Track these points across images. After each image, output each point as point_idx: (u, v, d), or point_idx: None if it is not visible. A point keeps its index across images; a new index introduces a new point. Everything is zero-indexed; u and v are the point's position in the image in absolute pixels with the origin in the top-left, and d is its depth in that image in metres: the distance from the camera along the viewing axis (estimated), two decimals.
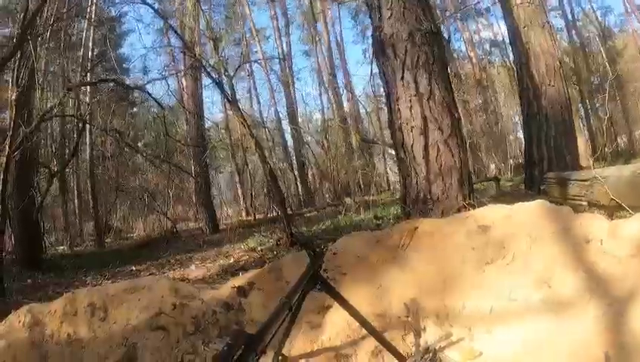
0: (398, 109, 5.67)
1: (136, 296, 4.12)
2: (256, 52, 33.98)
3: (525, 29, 11.71)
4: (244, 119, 11.18)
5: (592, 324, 2.86)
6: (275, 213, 20.72)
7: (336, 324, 3.52)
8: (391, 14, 5.78)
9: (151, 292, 4.12)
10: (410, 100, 5.55)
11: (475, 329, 3.25)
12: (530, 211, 3.79)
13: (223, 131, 27.07)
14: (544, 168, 10.69)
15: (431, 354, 3.19)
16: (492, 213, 4.03)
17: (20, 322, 4.09)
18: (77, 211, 24.86)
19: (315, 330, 3.57)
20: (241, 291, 4.11)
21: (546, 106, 11.17)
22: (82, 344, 3.87)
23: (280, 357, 2.42)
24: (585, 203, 6.52)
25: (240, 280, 4.37)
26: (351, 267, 4.01)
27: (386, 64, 5.86)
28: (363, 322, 2.86)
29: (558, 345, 2.87)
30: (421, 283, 3.72)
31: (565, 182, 7.51)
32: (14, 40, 11.26)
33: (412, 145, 5.54)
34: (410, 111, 5.55)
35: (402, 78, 5.63)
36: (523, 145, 30.86)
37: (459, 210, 5.15)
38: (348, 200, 17.77)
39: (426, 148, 5.45)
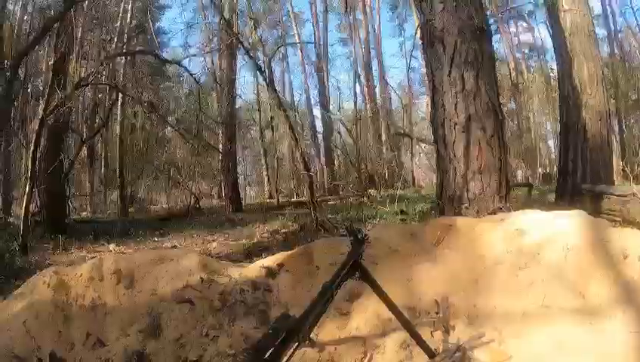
0: (443, 105, 5.60)
1: (164, 267, 4.12)
2: (292, 35, 34.04)
3: (570, 36, 11.47)
4: (280, 101, 11.17)
5: (626, 338, 2.80)
6: (299, 198, 20.81)
7: (365, 313, 3.48)
8: (443, 7, 5.68)
9: (179, 265, 4.12)
10: (456, 97, 5.48)
11: (505, 332, 3.18)
12: (568, 220, 3.71)
13: (253, 112, 27.23)
14: (577, 179, 10.53)
15: (460, 353, 3.16)
16: (529, 218, 3.96)
17: (44, 283, 4.09)
18: (103, 179, 25.11)
19: (343, 317, 3.55)
20: (270, 272, 4.08)
21: (585, 117, 10.96)
22: (106, 310, 3.87)
23: (307, 341, 2.40)
24: (619, 219, 6.42)
25: (269, 260, 4.34)
26: (383, 257, 3.97)
27: (434, 58, 5.78)
28: (398, 314, 2.83)
29: (590, 356, 2.80)
30: (452, 281, 3.66)
31: (601, 195, 7.40)
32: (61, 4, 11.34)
33: (454, 142, 5.47)
34: (455, 107, 5.47)
35: (449, 73, 5.55)
36: (552, 155, 30.81)
37: (494, 212, 5.09)
38: (373, 192, 17.74)
39: (467, 146, 5.37)
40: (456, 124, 5.46)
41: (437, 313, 3.49)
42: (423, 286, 3.70)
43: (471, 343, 3.19)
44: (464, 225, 4.22)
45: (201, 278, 3.91)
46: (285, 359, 1.48)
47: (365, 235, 2.72)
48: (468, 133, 5.40)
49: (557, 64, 12.75)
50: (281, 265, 4.15)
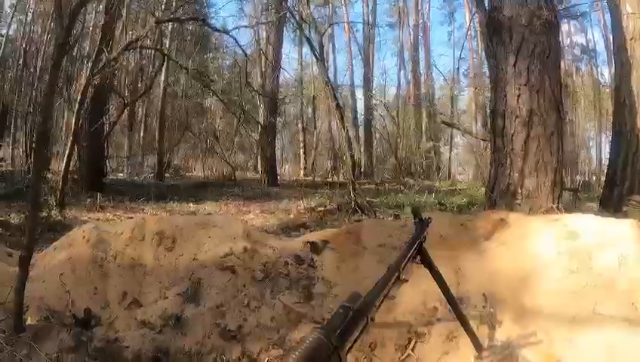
0: (505, 96, 5.43)
1: (207, 232, 4.08)
2: (341, 16, 33.83)
3: (632, 40, 11.09)
4: (329, 79, 11.08)
5: None
6: (335, 178, 20.79)
7: (412, 301, 3.40)
8: None
9: (223, 231, 4.06)
10: (519, 89, 5.31)
11: (554, 334, 3.08)
12: (624, 228, 3.59)
13: (295, 89, 27.23)
14: (624, 190, 10.24)
15: (509, 351, 3.05)
16: (583, 222, 3.83)
17: (84, 238, 4.08)
18: (141, 143, 25.38)
19: (389, 301, 3.44)
20: (315, 247, 4.01)
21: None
22: (145, 270, 3.84)
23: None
24: None
25: (314, 236, 4.30)
26: (433, 245, 3.84)
27: (499, 47, 5.60)
28: (454, 304, 2.73)
29: None
30: (501, 276, 3.57)
31: None
32: None
33: (513, 135, 5.31)
34: (518, 100, 5.30)
35: (515, 64, 5.37)
36: (594, 162, 30.18)
37: (547, 211, 4.96)
38: (411, 180, 17.65)
39: (526, 141, 5.21)
40: (517, 117, 5.30)
41: (484, 307, 3.39)
42: (470, 279, 3.61)
43: (520, 341, 3.11)
44: (516, 221, 4.11)
45: (245, 247, 3.84)
46: (354, 339, 1.39)
47: (429, 218, 2.61)
48: (528, 128, 5.23)
49: (615, 69, 12.38)
50: (326, 242, 4.07)
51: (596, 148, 31.36)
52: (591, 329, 3.01)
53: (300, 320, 3.39)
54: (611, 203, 10.29)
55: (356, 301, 1.47)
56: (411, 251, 2.26)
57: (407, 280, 3.47)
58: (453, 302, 2.73)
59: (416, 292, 3.37)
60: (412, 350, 3.18)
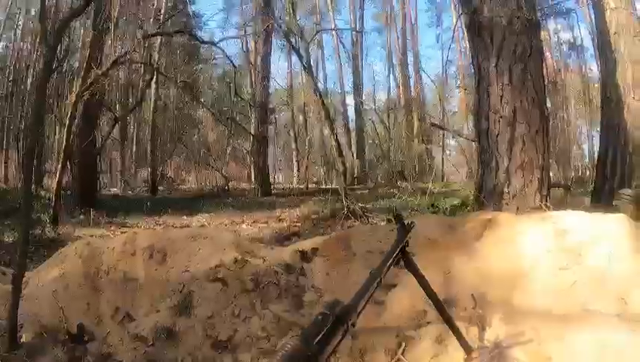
0: (488, 97, 5.47)
1: (198, 244, 4.09)
2: (328, 22, 33.93)
3: (616, 35, 11.16)
4: (317, 87, 11.12)
5: None
6: (327, 185, 20.82)
7: (401, 304, 3.41)
8: None
9: (213, 243, 4.08)
10: (502, 89, 5.34)
11: (544, 332, 3.09)
12: (613, 224, 3.60)
13: (286, 97, 27.29)
14: (615, 183, 10.29)
15: (498, 351, 3.07)
16: (572, 219, 3.84)
17: (76, 254, 4.10)
18: (133, 157, 25.38)
19: (378, 306, 3.46)
20: (305, 256, 4.02)
21: (627, 120, 10.68)
22: (137, 284, 3.86)
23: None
24: None
25: (304, 244, 4.29)
26: (421, 248, 3.87)
27: (481, 48, 5.64)
28: (440, 307, 2.75)
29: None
30: (490, 277, 3.57)
31: None
32: None
33: (497, 135, 5.34)
34: (501, 100, 5.34)
35: (496, 65, 5.41)
36: (587, 157, 30.30)
37: (534, 210, 4.98)
38: (404, 183, 17.67)
39: (511, 140, 5.25)
40: (501, 117, 5.33)
41: (473, 308, 3.41)
42: (460, 280, 3.62)
43: (509, 341, 3.10)
44: (505, 221, 4.11)
45: (235, 258, 3.86)
46: (333, 346, 1.40)
47: (411, 223, 2.63)
48: (512, 128, 5.27)
49: (600, 64, 12.45)
50: (315, 250, 4.08)
51: (588, 143, 31.51)
52: (581, 326, 3.01)
53: (290, 328, 3.40)
54: (602, 197, 10.35)
55: (335, 307, 1.49)
56: (393, 256, 2.27)
57: (395, 285, 3.51)
58: (440, 305, 2.75)
59: (405, 296, 3.38)
60: (402, 354, 3.19)
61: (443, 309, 2.77)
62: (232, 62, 14.93)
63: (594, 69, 28.54)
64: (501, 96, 5.35)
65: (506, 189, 5.25)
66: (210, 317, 3.49)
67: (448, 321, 2.79)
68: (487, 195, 5.41)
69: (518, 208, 5.09)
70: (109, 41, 15.64)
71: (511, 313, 3.30)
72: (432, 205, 11.92)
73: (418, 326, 3.30)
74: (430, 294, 2.69)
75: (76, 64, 17.57)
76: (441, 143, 28.99)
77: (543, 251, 3.60)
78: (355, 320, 1.61)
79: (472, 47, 5.93)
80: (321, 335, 1.28)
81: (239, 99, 17.56)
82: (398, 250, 2.36)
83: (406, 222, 2.60)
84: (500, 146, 5.31)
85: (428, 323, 3.27)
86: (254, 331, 3.38)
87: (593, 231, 3.58)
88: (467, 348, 2.86)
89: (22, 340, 3.30)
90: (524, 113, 5.28)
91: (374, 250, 3.92)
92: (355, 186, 21.03)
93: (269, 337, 3.34)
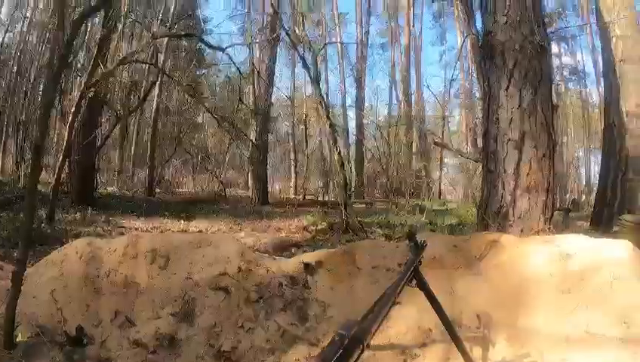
0: (497, 119, 5.46)
1: (202, 251, 4.05)
2: (334, 35, 34.06)
3: (621, 62, 11.24)
4: (323, 99, 11.13)
5: None
6: (326, 197, 20.80)
7: (406, 322, 3.41)
8: (506, 21, 5.55)
9: (217, 251, 4.04)
10: (512, 112, 5.34)
11: (547, 354, 3.12)
12: (615, 250, 3.61)
13: (287, 108, 27.34)
14: (614, 209, 10.33)
15: None
16: (575, 243, 3.85)
17: (77, 253, 4.05)
18: (132, 157, 25.35)
19: (384, 324, 3.47)
20: (309, 268, 3.99)
21: (629, 147, 10.73)
22: (138, 289, 3.81)
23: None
24: None
25: (308, 256, 4.26)
26: (426, 267, 3.87)
27: (492, 71, 5.65)
28: (449, 326, 2.74)
29: None
30: (495, 298, 3.59)
31: None
32: None
33: (505, 158, 5.33)
34: (510, 123, 5.34)
35: (507, 88, 5.40)
36: (583, 182, 30.38)
37: (538, 233, 4.99)
38: (402, 200, 17.69)
39: (518, 163, 5.24)
40: (509, 140, 5.33)
41: (478, 328, 3.42)
42: (464, 300, 3.63)
43: None
44: (509, 243, 4.11)
45: (239, 267, 3.83)
46: None
47: (424, 242, 2.63)
48: (520, 151, 5.27)
49: (604, 90, 12.53)
50: (320, 263, 4.06)
51: (585, 168, 31.65)
52: (583, 349, 3.05)
53: (294, 341, 3.39)
54: (602, 222, 10.38)
55: (351, 329, 1.47)
56: (407, 275, 2.27)
57: (399, 303, 3.50)
58: (448, 325, 2.74)
59: (410, 314, 3.38)
60: None
61: (451, 328, 2.77)
62: (238, 68, 14.94)
63: (594, 94, 28.80)
64: (510, 120, 5.34)
65: (510, 211, 5.25)
66: (213, 327, 3.46)
67: (455, 340, 2.79)
68: (492, 216, 5.39)
69: (522, 230, 5.09)
70: (116, 40, 15.65)
71: (515, 334, 3.33)
72: (430, 223, 11.95)
73: (423, 345, 3.32)
74: (440, 314, 2.69)
75: (81, 60, 17.54)
76: (439, 161, 29.09)
77: (546, 274, 3.62)
78: (369, 340, 1.60)
79: (483, 70, 5.93)
80: (337, 356, 1.27)
81: (242, 106, 17.55)
82: (412, 268, 2.36)
83: (419, 240, 2.61)
84: (507, 168, 5.31)
85: (433, 341, 3.28)
86: (258, 343, 3.36)
87: (596, 256, 3.60)
88: None
89: (18, 339, 3.26)
90: (532, 137, 5.28)
91: (379, 266, 3.91)
92: (353, 200, 21.04)
93: (274, 350, 3.32)
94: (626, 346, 2.96)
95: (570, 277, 3.51)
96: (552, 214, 5.50)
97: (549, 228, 5.16)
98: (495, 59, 5.59)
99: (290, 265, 4.10)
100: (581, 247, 3.75)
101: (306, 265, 4.01)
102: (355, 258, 4.09)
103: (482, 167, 6.04)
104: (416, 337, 3.35)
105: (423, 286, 2.57)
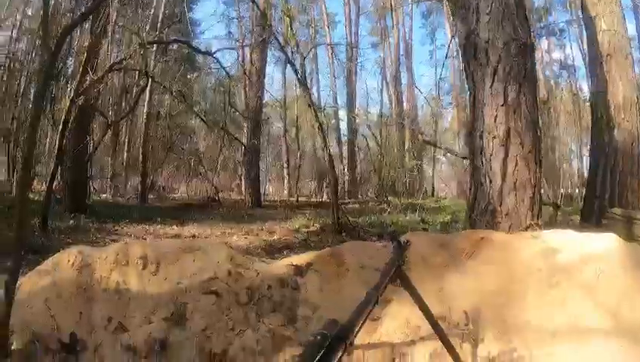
0: (482, 116, 5.52)
1: (191, 256, 4.07)
2: (324, 36, 34.10)
3: (608, 57, 11.32)
4: (312, 100, 11.17)
5: None
6: (319, 198, 20.84)
7: (395, 320, 3.44)
8: (489, 19, 5.61)
9: (207, 256, 4.06)
10: (497, 110, 5.39)
11: (535, 348, 3.15)
12: (602, 243, 3.65)
13: (279, 109, 27.35)
14: (604, 202, 10.40)
15: None
16: (562, 238, 3.89)
17: (69, 262, 4.06)
18: (124, 164, 25.33)
19: (373, 322, 3.49)
20: (298, 270, 4.02)
21: (618, 140, 10.81)
22: (130, 295, 3.83)
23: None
24: None
25: (297, 259, 4.29)
26: (414, 265, 3.91)
27: (476, 69, 5.70)
28: (434, 324, 2.78)
29: None
30: (483, 294, 3.61)
31: (630, 220, 7.28)
32: None
33: (491, 155, 5.39)
34: (495, 120, 5.39)
35: (491, 85, 5.46)
36: (575, 176, 30.49)
37: (526, 229, 5.04)
38: (394, 199, 17.72)
39: (504, 160, 5.29)
40: (495, 137, 5.38)
41: (466, 324, 3.44)
42: (453, 297, 3.64)
43: (502, 358, 3.17)
44: (497, 239, 4.14)
45: (229, 271, 3.85)
46: None
47: (407, 241, 2.67)
48: (506, 148, 5.32)
49: (591, 84, 12.62)
50: (309, 264, 4.08)
51: (577, 162, 31.76)
52: (571, 342, 3.08)
53: (284, 342, 3.42)
54: (592, 216, 10.45)
55: (333, 328, 1.51)
56: (389, 275, 2.31)
57: (391, 300, 3.54)
58: (435, 324, 2.78)
59: (399, 312, 3.41)
60: None
61: (438, 327, 2.80)
62: (227, 72, 15.01)
63: (584, 87, 28.91)
64: (495, 117, 5.39)
65: (498, 208, 5.30)
66: (204, 330, 3.49)
67: (442, 337, 2.82)
68: (480, 214, 5.44)
69: (510, 227, 5.14)
70: (105, 46, 15.65)
71: (503, 330, 3.34)
72: (423, 221, 12.00)
73: (413, 342, 3.33)
74: (426, 312, 2.73)
75: (71, 68, 17.52)
76: (431, 158, 29.18)
77: (534, 269, 3.64)
78: (352, 339, 1.64)
79: (468, 68, 5.98)
80: (320, 355, 1.31)
81: (233, 110, 17.58)
82: (395, 268, 2.39)
83: (402, 240, 2.64)
84: (494, 166, 5.36)
85: (422, 339, 3.30)
86: (249, 344, 3.39)
87: (583, 250, 3.63)
88: None
89: (13, 347, 3.29)
90: (517, 134, 5.33)
91: (367, 266, 3.93)
92: (346, 200, 21.09)
93: (264, 352, 3.36)
94: (614, 338, 3.00)
95: (557, 271, 3.53)
96: (540, 209, 5.55)
97: (537, 224, 5.21)
98: (479, 58, 5.65)
99: (280, 267, 4.13)
100: (569, 242, 3.79)
101: (296, 267, 4.05)
102: (343, 259, 4.11)
103: (469, 164, 6.10)
104: (406, 335, 3.37)
105: (408, 286, 2.61)
